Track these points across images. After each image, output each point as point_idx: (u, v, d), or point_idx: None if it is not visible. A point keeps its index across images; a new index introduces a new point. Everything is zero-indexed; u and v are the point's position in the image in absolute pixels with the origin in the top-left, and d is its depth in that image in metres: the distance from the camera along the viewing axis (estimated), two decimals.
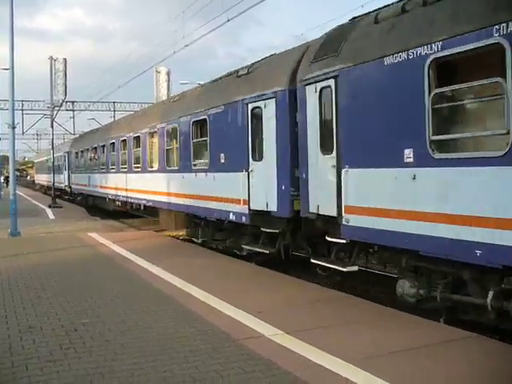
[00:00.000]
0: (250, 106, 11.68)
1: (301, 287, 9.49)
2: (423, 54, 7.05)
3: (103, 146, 26.72)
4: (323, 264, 9.71)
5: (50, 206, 31.84)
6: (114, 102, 54.03)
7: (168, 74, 44.20)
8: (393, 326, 6.98)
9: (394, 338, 6.45)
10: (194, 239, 16.12)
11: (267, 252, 11.56)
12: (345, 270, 8.97)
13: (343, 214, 8.64)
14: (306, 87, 9.68)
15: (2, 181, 56.50)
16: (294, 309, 7.89)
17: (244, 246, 12.66)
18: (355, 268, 9.06)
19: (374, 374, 5.25)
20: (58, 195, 38.07)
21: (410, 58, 7.27)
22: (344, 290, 9.44)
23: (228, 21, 19.41)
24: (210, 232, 14.94)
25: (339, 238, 8.90)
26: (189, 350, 6.03)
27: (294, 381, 5.16)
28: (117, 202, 24.69)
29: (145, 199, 19.77)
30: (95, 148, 28.85)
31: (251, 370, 5.43)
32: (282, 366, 5.52)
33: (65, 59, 33.85)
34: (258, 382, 5.17)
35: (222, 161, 12.99)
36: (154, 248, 14.68)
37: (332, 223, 9.08)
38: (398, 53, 7.48)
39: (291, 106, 10.34)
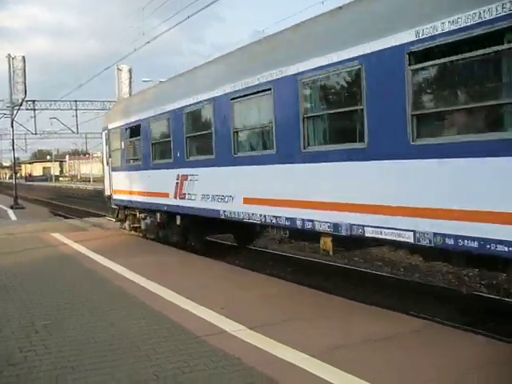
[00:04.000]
0: None
1: (263, 283, 9.54)
2: None
3: None
4: None
5: (11, 207, 31.24)
6: (76, 101, 53.28)
7: (130, 71, 43.56)
8: (358, 318, 7.08)
9: (359, 329, 6.54)
10: None
11: None
12: None
13: None
14: None
15: None
16: (257, 304, 7.93)
17: None
18: None
19: (335, 365, 5.32)
20: None
21: None
22: (309, 285, 9.51)
23: (188, 17, 19.36)
24: None
25: None
26: (151, 348, 6.01)
27: (258, 376, 5.19)
28: None
29: None
30: None
31: (214, 366, 5.44)
32: (245, 361, 5.54)
33: (23, 57, 33.07)
34: (221, 377, 5.18)
35: None
36: (117, 247, 14.56)
37: None
38: None
39: None
